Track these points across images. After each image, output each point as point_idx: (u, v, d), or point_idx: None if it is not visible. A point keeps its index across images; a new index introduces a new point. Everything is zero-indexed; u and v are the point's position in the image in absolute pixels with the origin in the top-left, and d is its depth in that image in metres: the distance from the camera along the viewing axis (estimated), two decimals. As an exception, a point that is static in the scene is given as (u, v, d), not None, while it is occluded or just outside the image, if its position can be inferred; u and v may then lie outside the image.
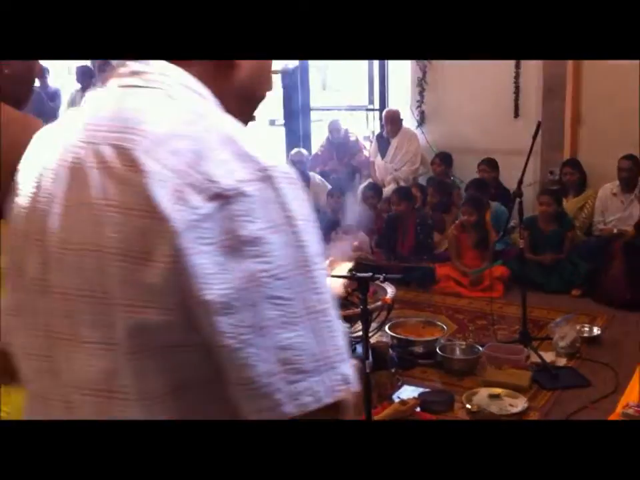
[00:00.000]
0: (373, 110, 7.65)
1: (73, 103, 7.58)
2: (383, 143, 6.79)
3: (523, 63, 6.06)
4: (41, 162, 0.85)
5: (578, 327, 4.11)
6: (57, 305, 0.81)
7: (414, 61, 6.58)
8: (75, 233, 0.78)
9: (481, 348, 3.81)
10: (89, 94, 0.89)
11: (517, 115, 6.21)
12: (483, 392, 3.36)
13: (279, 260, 0.72)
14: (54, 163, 0.83)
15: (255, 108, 0.96)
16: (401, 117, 6.69)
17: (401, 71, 6.88)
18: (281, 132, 8.50)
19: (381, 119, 7.14)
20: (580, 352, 3.88)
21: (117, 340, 0.75)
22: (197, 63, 0.84)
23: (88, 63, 8.12)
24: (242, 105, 0.91)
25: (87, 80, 7.66)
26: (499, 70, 6.02)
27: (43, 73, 7.75)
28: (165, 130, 0.76)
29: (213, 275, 0.71)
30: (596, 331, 4.18)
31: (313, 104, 8.19)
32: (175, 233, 0.71)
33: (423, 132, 6.73)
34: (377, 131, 7.28)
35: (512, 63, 6.08)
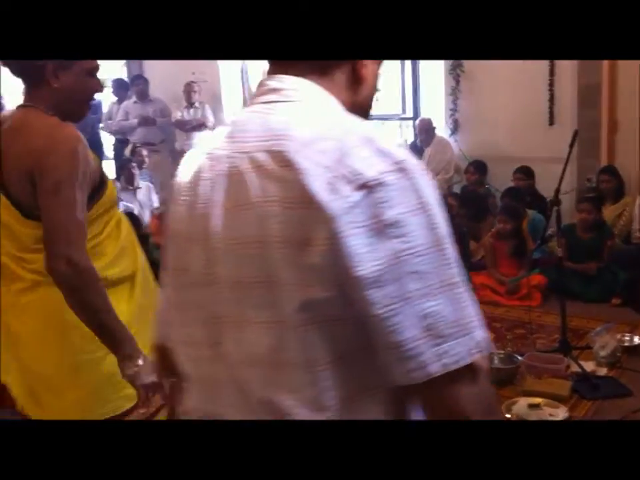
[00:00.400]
0: (405, 119, 7.66)
1: (110, 115, 7.70)
2: (416, 152, 6.79)
3: (557, 70, 6.03)
4: (196, 174, 0.99)
5: (618, 336, 4.06)
6: (225, 294, 0.93)
7: (447, 70, 6.58)
8: (238, 229, 0.90)
9: (519, 357, 3.77)
10: (236, 114, 1.03)
11: (551, 122, 6.17)
12: (523, 401, 3.33)
13: (417, 239, 0.83)
14: (209, 173, 0.96)
15: (367, 117, 1.07)
16: (434, 126, 6.69)
17: (434, 80, 6.88)
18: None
19: (414, 128, 7.14)
20: (621, 361, 3.83)
21: (283, 317, 0.87)
22: (327, 78, 0.98)
23: (124, 76, 8.28)
24: (360, 114, 1.00)
25: (122, 92, 7.79)
26: (533, 77, 6.00)
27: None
28: (310, 134, 0.89)
29: (364, 254, 0.82)
30: (637, 340, 4.12)
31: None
32: (331, 219, 0.82)
33: (456, 140, 6.71)
34: (410, 140, 7.29)
35: (546, 70, 6.05)
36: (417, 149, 6.78)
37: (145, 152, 7.03)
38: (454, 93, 6.62)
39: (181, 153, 7.37)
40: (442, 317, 0.84)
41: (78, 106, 1.87)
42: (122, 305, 1.81)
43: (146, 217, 6.40)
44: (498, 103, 6.27)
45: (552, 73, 6.08)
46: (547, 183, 5.06)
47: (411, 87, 7.40)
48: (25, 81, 1.83)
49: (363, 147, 0.86)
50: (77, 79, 1.82)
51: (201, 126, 7.40)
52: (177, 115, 7.46)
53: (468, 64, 6.37)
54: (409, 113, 7.52)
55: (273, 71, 1.00)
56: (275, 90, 0.97)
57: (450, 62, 6.52)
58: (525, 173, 5.96)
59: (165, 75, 7.66)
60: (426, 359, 0.83)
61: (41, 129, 1.75)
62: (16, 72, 1.81)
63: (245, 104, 8.10)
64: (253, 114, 0.97)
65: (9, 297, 1.80)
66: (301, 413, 0.88)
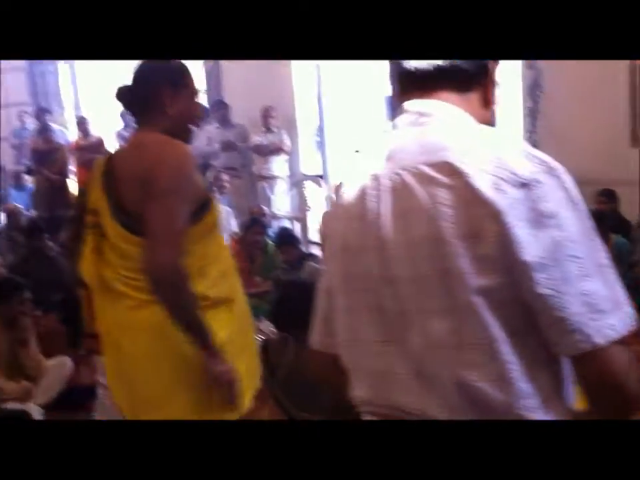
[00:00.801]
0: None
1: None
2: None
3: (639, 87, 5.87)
4: (360, 192, 1.13)
5: None
6: (404, 290, 1.06)
7: (525, 90, 6.50)
8: (413, 232, 1.04)
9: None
10: (387, 137, 1.17)
11: (634, 143, 6.00)
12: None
13: (572, 228, 0.98)
14: (374, 190, 1.11)
15: None
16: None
17: (511, 100, 6.80)
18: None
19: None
20: None
21: (461, 303, 1.01)
22: (464, 100, 1.14)
23: (204, 102, 8.51)
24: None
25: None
26: (614, 97, 5.85)
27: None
28: (467, 145, 1.04)
29: (528, 242, 0.97)
30: None
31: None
32: (499, 214, 0.97)
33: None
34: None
35: (627, 88, 5.89)
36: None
37: (226, 177, 7.18)
38: (532, 114, 6.53)
39: (258, 177, 7.55)
40: (599, 295, 0.97)
41: (186, 130, 2.00)
42: (221, 330, 1.87)
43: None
44: (578, 123, 6.14)
45: (633, 89, 5.92)
46: (631, 206, 4.92)
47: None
48: (140, 109, 1.95)
49: (515, 152, 1.03)
50: (186, 104, 1.95)
51: (278, 150, 7.53)
52: (256, 139, 7.62)
53: (547, 84, 6.27)
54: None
55: (415, 97, 1.15)
56: (422, 113, 1.13)
57: (528, 83, 6.44)
58: (608, 195, 5.80)
59: (243, 99, 7.85)
60: (589, 331, 0.96)
61: (154, 144, 1.89)
62: (133, 100, 1.94)
63: (320, 130, 8.24)
64: (406, 134, 1.12)
65: (117, 316, 1.88)
66: (484, 386, 1.01)
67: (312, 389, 2.59)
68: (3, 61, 10.16)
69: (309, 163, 8.60)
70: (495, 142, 1.05)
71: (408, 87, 1.16)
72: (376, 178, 1.11)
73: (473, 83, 1.16)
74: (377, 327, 1.11)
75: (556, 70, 5.92)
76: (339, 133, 8.30)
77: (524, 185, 0.99)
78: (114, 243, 1.86)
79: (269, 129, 7.67)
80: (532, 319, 1.00)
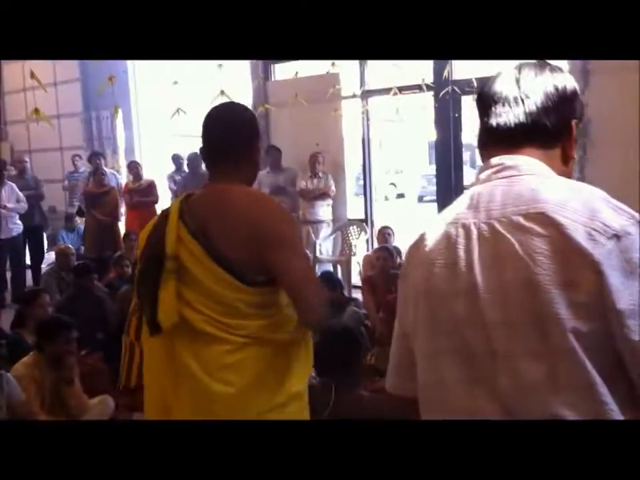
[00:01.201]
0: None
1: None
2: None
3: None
4: (448, 240, 1.20)
5: None
6: (495, 333, 1.12)
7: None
8: (506, 279, 1.10)
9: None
10: (473, 189, 1.24)
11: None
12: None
13: None
14: (462, 239, 1.18)
15: None
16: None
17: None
18: (431, 208, 8.52)
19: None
20: None
21: (555, 347, 1.06)
22: (547, 156, 1.23)
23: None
24: None
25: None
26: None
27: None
28: (561, 198, 1.11)
29: (621, 291, 1.03)
30: None
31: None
32: (596, 264, 1.04)
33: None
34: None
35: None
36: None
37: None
38: (581, 161, 6.45)
39: (303, 222, 7.60)
40: None
41: (254, 178, 2.08)
42: (300, 369, 1.98)
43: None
44: (627, 170, 6.04)
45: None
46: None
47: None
48: (229, 159, 1.99)
49: (605, 205, 1.10)
50: (260, 155, 2.06)
51: (323, 195, 7.59)
52: (302, 184, 7.69)
53: (594, 132, 6.21)
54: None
55: (501, 152, 1.24)
56: (510, 167, 1.21)
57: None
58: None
59: (291, 144, 7.97)
60: None
61: (256, 200, 1.97)
62: (224, 154, 1.98)
63: (366, 174, 8.28)
64: (495, 187, 1.20)
65: (210, 359, 1.88)
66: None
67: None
68: (60, 107, 10.60)
69: (353, 207, 8.64)
70: (585, 196, 1.12)
71: (494, 142, 1.26)
72: (464, 227, 1.19)
73: (556, 141, 1.24)
74: (463, 369, 1.16)
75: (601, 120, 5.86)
76: (383, 178, 8.32)
77: (615, 236, 1.05)
78: (209, 289, 1.87)
79: (315, 174, 7.74)
80: (622, 362, 1.05)
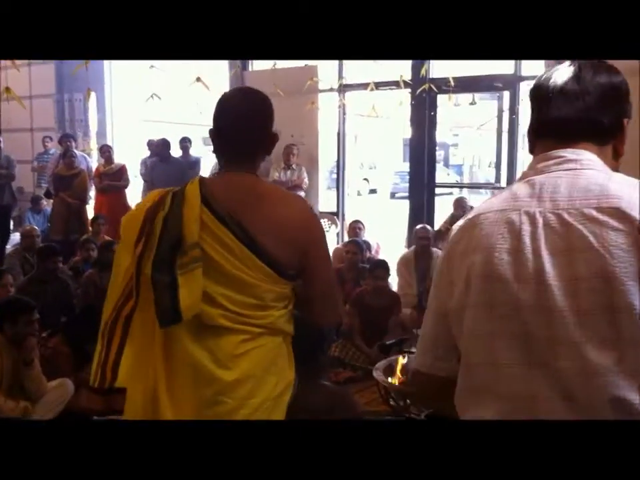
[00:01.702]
0: (499, 188, 7.59)
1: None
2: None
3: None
4: (512, 227, 1.22)
5: None
6: (560, 320, 1.14)
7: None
8: (575, 269, 1.14)
9: None
10: (534, 178, 1.27)
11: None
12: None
13: None
14: (528, 226, 1.20)
15: None
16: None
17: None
18: (402, 205, 8.56)
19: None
20: None
21: (624, 335, 1.10)
22: (601, 152, 1.28)
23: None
24: None
25: (165, 151, 8.21)
26: None
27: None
28: (630, 195, 1.16)
29: None
30: None
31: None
32: None
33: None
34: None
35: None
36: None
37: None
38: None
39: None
40: None
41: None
42: (291, 359, 2.01)
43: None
44: (623, 168, 6.10)
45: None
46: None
47: (506, 157, 7.37)
48: (251, 148, 1.96)
49: None
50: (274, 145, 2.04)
51: (295, 187, 7.58)
52: (274, 175, 7.69)
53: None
54: (503, 182, 7.47)
55: (557, 146, 1.28)
56: (572, 160, 1.25)
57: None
58: None
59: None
60: None
61: (292, 200, 1.99)
62: (255, 139, 1.95)
63: (340, 168, 8.30)
64: (558, 178, 1.24)
65: (221, 349, 1.85)
66: None
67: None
68: (33, 87, 10.42)
69: (325, 200, 8.65)
70: None
71: (550, 135, 1.30)
72: (528, 214, 1.22)
73: (609, 137, 1.30)
74: (519, 352, 1.19)
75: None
76: (356, 172, 8.35)
77: None
78: (237, 279, 1.82)
79: (289, 166, 7.74)
80: None
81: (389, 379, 3.52)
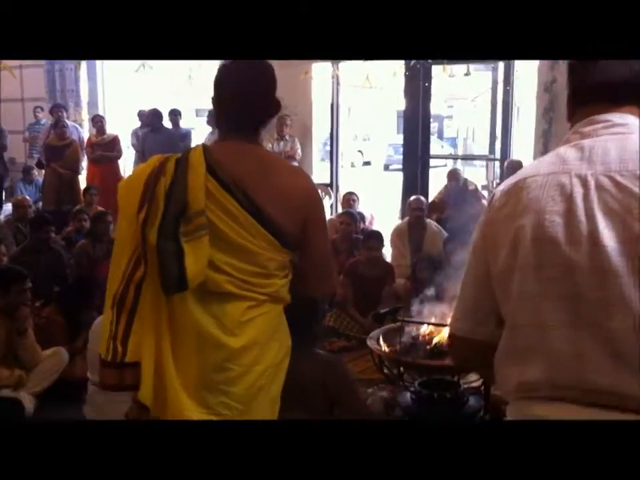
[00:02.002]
0: (492, 159, 7.58)
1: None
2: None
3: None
4: (563, 189, 1.22)
5: None
6: (614, 280, 1.14)
7: (539, 113, 6.49)
8: (632, 230, 1.13)
9: None
10: (582, 142, 1.27)
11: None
12: None
13: None
14: (580, 188, 1.20)
15: None
16: (524, 168, 6.58)
17: (525, 122, 6.80)
18: (396, 177, 8.55)
19: (501, 169, 7.06)
20: None
21: None
22: None
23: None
24: None
25: (157, 121, 8.12)
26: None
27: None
28: None
29: None
30: None
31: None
32: None
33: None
34: (497, 181, 7.20)
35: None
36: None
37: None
38: (545, 135, 6.51)
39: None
40: None
41: None
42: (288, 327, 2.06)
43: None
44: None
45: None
46: None
47: (500, 129, 7.35)
48: (254, 117, 1.92)
49: None
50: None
51: (289, 158, 7.55)
52: (268, 146, 7.64)
53: (561, 108, 6.26)
54: (498, 154, 7.46)
55: (601, 109, 1.29)
56: (620, 124, 1.27)
57: (543, 105, 6.43)
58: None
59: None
60: None
61: (296, 171, 2.03)
62: (260, 109, 1.92)
63: (333, 139, 8.25)
64: (607, 142, 1.24)
65: (227, 315, 1.85)
66: None
67: (301, 389, 2.58)
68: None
69: (319, 172, 8.62)
70: None
71: (595, 98, 1.31)
72: (580, 177, 1.21)
73: None
74: (567, 314, 1.19)
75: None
76: (350, 144, 8.33)
77: None
78: (241, 246, 1.81)
79: (282, 137, 7.70)
80: None
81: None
